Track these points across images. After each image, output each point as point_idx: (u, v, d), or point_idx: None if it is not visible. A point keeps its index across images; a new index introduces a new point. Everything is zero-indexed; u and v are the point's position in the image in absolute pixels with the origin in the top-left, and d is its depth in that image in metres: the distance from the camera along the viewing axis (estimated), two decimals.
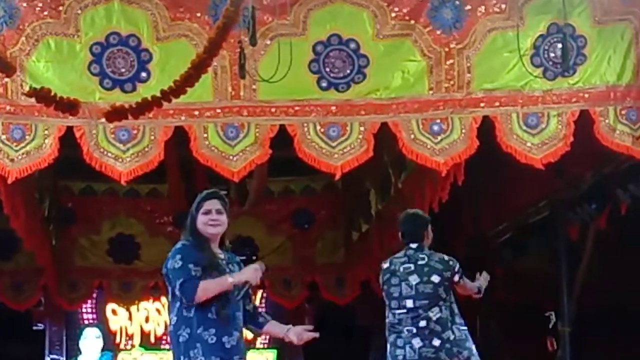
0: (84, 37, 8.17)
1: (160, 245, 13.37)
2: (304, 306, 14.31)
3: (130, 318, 14.80)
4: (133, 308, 14.71)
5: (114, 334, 14.77)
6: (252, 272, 5.89)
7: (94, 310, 14.54)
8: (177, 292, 5.80)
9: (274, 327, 6.20)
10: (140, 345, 15.07)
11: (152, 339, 15.17)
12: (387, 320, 7.62)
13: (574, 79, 8.40)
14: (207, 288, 5.75)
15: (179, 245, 5.94)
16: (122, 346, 14.88)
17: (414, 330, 7.42)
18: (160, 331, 15.13)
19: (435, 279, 7.44)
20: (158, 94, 7.58)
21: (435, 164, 8.38)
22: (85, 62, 8.16)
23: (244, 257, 6.17)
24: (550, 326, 10.19)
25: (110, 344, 14.68)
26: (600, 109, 8.43)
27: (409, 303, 7.48)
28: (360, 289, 13.42)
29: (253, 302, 6.25)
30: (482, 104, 8.37)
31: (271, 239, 13.54)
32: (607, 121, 8.42)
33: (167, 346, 15.18)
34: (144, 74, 8.18)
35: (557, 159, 8.44)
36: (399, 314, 7.52)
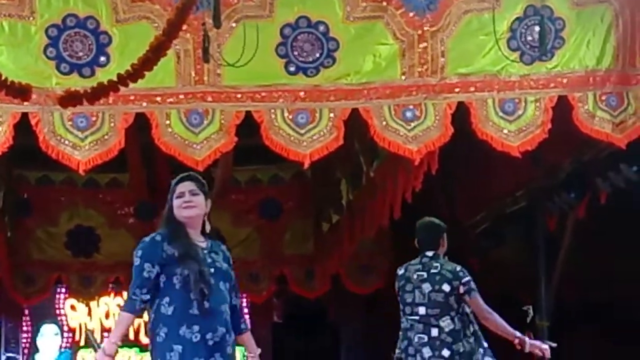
0: (39, 19, 8.12)
1: (121, 237, 13.37)
2: (272, 301, 14.32)
3: (89, 314, 14.75)
4: (93, 303, 14.66)
5: (73, 331, 14.72)
6: None
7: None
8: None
9: (247, 342, 6.04)
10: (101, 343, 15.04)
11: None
12: (401, 326, 7.93)
13: (552, 63, 8.43)
14: (118, 322, 5.94)
15: (147, 238, 5.84)
16: (81, 343, 14.85)
17: (425, 339, 7.68)
18: None
19: (446, 287, 7.66)
20: (115, 78, 7.54)
21: (408, 152, 8.39)
22: (41, 46, 8.11)
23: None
24: (528, 320, 10.22)
25: (69, 342, 14.69)
26: (579, 95, 8.46)
27: (422, 310, 7.74)
28: (330, 283, 13.42)
29: (239, 300, 6.07)
30: (456, 90, 8.38)
31: (237, 230, 13.50)
32: (586, 107, 8.46)
33: (129, 343, 15.19)
34: (103, 58, 8.14)
35: (535, 147, 8.47)
36: (412, 320, 7.79)
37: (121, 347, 15.50)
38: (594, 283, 10.91)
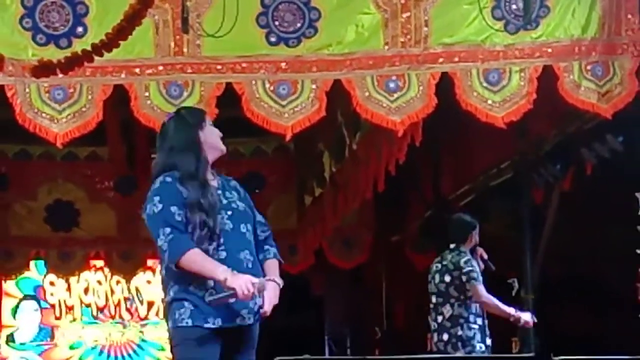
0: None
1: (101, 211, 13.40)
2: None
3: (69, 289, 14.77)
4: (73, 279, 14.67)
5: (52, 307, 14.74)
6: (244, 284, 5.02)
7: None
8: (159, 245, 5.09)
9: (268, 269, 5.47)
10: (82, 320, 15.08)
11: (94, 311, 15.18)
12: None
13: (536, 32, 8.40)
14: (195, 261, 5.03)
15: (157, 183, 5.19)
16: (62, 319, 14.88)
17: (435, 326, 8.76)
18: (101, 303, 15.14)
19: (447, 278, 8.70)
20: (89, 48, 7.51)
21: (392, 123, 8.37)
22: (17, 16, 8.03)
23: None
24: (514, 293, 10.27)
25: (49, 318, 14.71)
26: (564, 64, 8.44)
27: (433, 299, 8.83)
28: (314, 257, 13.45)
29: (266, 233, 5.53)
30: (440, 60, 8.36)
31: None
32: (571, 77, 8.44)
33: (110, 319, 15.20)
34: (80, 29, 8.08)
35: (520, 118, 8.47)
36: (430, 309, 8.90)
37: (101, 322, 15.55)
38: (580, 255, 10.95)
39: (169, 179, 5.17)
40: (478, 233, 8.94)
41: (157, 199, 5.11)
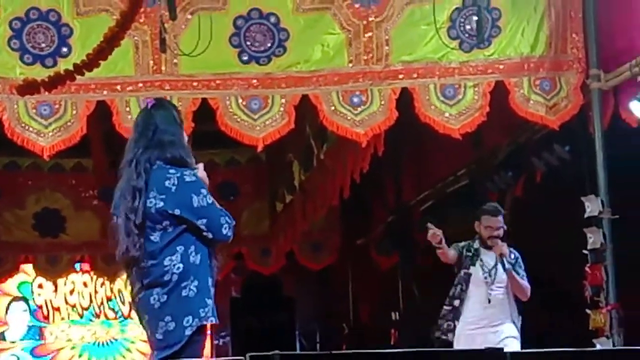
0: (3, 13, 8.06)
1: (85, 219, 13.36)
2: (230, 276, 14.32)
3: (55, 291, 14.71)
4: (60, 281, 14.62)
5: (40, 308, 14.68)
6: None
7: None
8: (213, 232, 4.77)
9: None
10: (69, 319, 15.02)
11: (80, 311, 15.14)
12: None
13: (489, 50, 8.47)
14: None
15: (191, 177, 4.84)
16: (50, 319, 14.81)
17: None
18: (85, 303, 15.10)
19: None
20: (71, 68, 7.50)
21: (356, 135, 8.40)
22: (5, 38, 8.04)
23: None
24: None
25: (38, 318, 14.64)
26: (514, 80, 8.51)
27: None
28: (285, 259, 13.45)
29: None
30: (400, 76, 8.40)
31: None
32: (521, 91, 8.51)
33: (95, 318, 15.13)
34: (64, 49, 8.09)
35: (474, 129, 8.51)
36: None
37: (86, 322, 15.50)
38: (532, 256, 10.98)
39: (195, 176, 4.89)
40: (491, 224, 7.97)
41: (204, 191, 4.81)
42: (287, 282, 14.66)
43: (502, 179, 10.23)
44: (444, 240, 7.79)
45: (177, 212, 4.75)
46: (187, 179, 4.80)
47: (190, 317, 4.73)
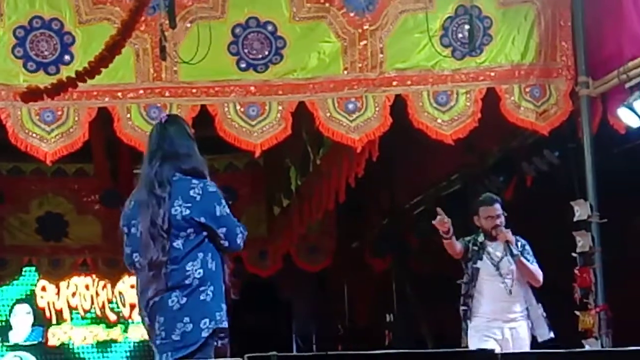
0: (7, 21, 8.08)
1: (88, 223, 13.38)
2: (231, 279, 14.32)
3: (58, 293, 14.73)
4: (63, 284, 14.64)
5: (42, 310, 14.70)
6: None
7: None
8: (230, 241, 4.95)
9: None
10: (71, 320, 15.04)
11: (82, 313, 15.16)
12: None
13: (480, 58, 8.51)
14: None
15: (213, 187, 4.97)
16: (53, 321, 14.83)
17: None
18: (87, 306, 15.12)
19: None
20: (73, 75, 7.52)
21: (351, 140, 8.43)
22: (9, 46, 8.06)
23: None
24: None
25: (41, 320, 14.65)
26: (505, 87, 8.56)
27: None
28: (282, 262, 13.47)
29: None
30: (394, 83, 8.44)
31: None
32: (512, 98, 8.55)
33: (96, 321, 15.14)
34: (67, 57, 8.11)
35: (466, 135, 8.55)
36: None
37: (88, 323, 15.55)
38: None
39: (215, 187, 5.02)
40: (490, 214, 7.76)
41: (224, 202, 4.96)
42: (284, 284, 14.67)
43: (493, 183, 10.25)
44: (452, 230, 7.58)
45: (202, 219, 4.88)
46: (210, 189, 4.94)
47: (207, 320, 4.88)
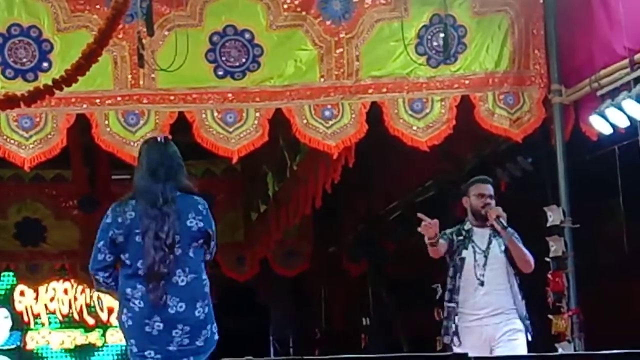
0: None
1: (66, 228, 13.30)
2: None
3: (36, 298, 14.66)
4: (41, 288, 14.56)
5: (20, 314, 14.62)
6: None
7: None
8: (212, 254, 5.20)
9: None
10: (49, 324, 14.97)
11: (59, 317, 15.09)
12: None
13: (455, 66, 8.53)
14: None
15: (206, 205, 5.19)
16: (31, 325, 14.76)
17: None
18: (65, 310, 15.05)
19: None
20: (51, 83, 7.48)
21: (327, 147, 8.43)
22: None
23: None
24: (437, 297, 10.33)
25: (19, 324, 14.58)
26: (480, 94, 8.58)
27: None
28: (259, 266, 13.45)
29: None
30: (370, 90, 8.44)
31: None
32: (486, 105, 8.58)
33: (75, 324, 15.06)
34: (45, 64, 8.06)
35: (442, 141, 8.56)
36: None
37: (66, 327, 15.43)
38: None
39: None
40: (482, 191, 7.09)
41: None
42: (261, 289, 14.64)
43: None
44: (438, 234, 6.82)
45: (210, 231, 5.14)
46: (207, 206, 5.21)
47: (216, 324, 5.19)
